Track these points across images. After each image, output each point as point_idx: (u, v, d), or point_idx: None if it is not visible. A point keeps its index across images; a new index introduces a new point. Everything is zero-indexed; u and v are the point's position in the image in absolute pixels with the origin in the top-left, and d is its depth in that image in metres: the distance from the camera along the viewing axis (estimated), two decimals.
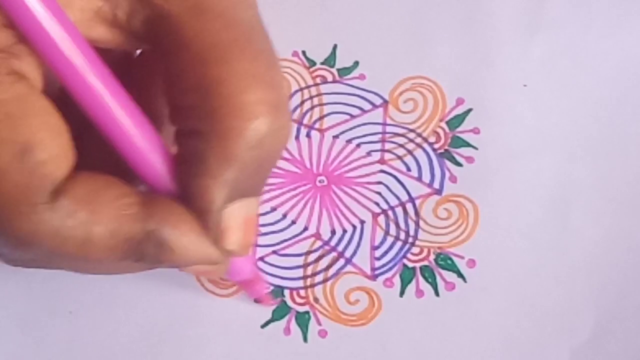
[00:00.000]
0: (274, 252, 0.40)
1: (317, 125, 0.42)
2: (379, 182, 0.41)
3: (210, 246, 0.31)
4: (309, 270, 0.40)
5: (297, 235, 0.40)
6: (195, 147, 0.30)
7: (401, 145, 0.41)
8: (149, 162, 0.31)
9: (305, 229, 0.40)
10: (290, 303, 0.39)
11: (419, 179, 0.41)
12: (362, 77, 0.42)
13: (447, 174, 0.41)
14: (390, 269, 0.39)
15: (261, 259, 0.40)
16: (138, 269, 0.33)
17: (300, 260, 0.40)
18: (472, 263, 0.39)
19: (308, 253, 0.40)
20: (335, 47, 0.43)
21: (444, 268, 0.39)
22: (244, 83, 0.29)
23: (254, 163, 0.30)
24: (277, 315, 0.39)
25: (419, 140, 0.41)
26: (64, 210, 0.29)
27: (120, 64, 0.33)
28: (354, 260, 0.40)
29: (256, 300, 0.39)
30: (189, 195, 0.31)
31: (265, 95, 0.30)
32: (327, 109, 0.42)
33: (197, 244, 0.31)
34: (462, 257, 0.39)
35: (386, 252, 0.40)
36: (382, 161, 0.41)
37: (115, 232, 0.30)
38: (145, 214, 0.30)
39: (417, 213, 0.40)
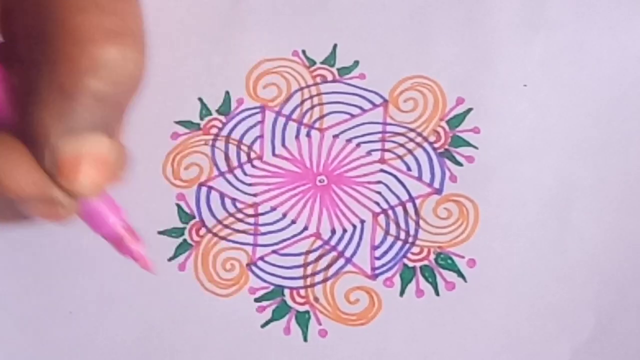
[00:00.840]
0: (274, 251, 0.40)
1: (317, 125, 0.42)
2: (379, 182, 0.41)
3: (44, 180, 0.29)
4: (309, 270, 0.40)
5: (297, 235, 0.40)
6: (29, 76, 0.28)
7: (401, 145, 0.41)
8: None
9: (305, 228, 0.40)
10: (290, 302, 0.39)
11: (419, 178, 0.41)
12: (362, 76, 0.42)
13: (447, 174, 0.41)
14: (391, 268, 0.39)
15: (261, 258, 0.40)
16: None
17: (300, 260, 0.40)
18: (472, 263, 0.39)
19: (308, 252, 0.40)
20: (335, 46, 0.42)
21: (444, 268, 0.39)
22: (79, 7, 0.27)
23: (95, 95, 0.28)
24: (277, 315, 0.39)
25: (419, 139, 0.41)
26: None
27: None
28: (354, 259, 0.40)
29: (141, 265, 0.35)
30: (26, 128, 0.29)
31: (106, 22, 0.27)
32: (327, 109, 0.42)
33: (28, 176, 0.29)
34: (462, 257, 0.39)
35: (386, 252, 0.40)
36: (382, 160, 0.41)
37: None
38: None
39: (417, 212, 0.40)
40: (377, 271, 0.39)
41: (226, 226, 0.40)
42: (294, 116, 0.42)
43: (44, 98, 0.28)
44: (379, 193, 0.41)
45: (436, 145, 0.41)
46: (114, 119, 0.30)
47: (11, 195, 0.29)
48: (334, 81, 0.42)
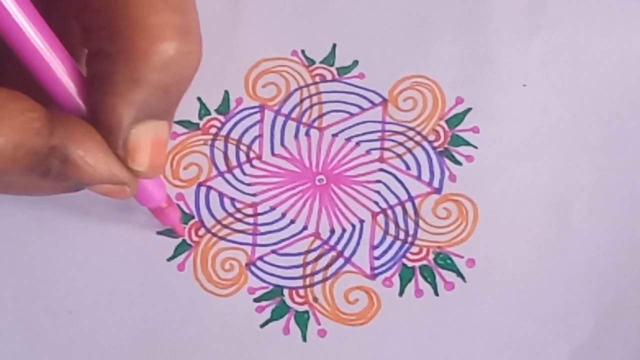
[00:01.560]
0: (273, 251, 0.40)
1: (316, 124, 0.42)
2: (378, 181, 0.41)
3: (116, 164, 0.32)
4: (308, 270, 0.40)
5: (296, 235, 0.40)
6: (103, 68, 0.31)
7: (400, 144, 0.41)
8: (59, 80, 0.31)
9: (305, 228, 0.40)
10: (289, 302, 0.39)
11: (419, 177, 0.41)
12: (361, 76, 0.42)
13: (447, 173, 0.41)
14: (390, 268, 0.39)
15: (260, 258, 0.40)
16: (52, 190, 0.35)
17: (299, 260, 0.40)
18: (471, 263, 0.39)
19: (307, 252, 0.40)
20: (334, 46, 0.42)
21: (443, 267, 0.39)
22: (151, 6, 0.30)
23: (161, 86, 0.31)
24: (276, 315, 0.39)
25: (418, 138, 0.41)
26: None
27: None
28: (353, 259, 0.40)
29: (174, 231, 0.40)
30: (97, 115, 0.32)
31: (173, 19, 0.30)
32: (326, 108, 0.42)
33: (102, 161, 0.32)
34: (462, 257, 0.39)
35: (385, 252, 0.40)
36: (381, 159, 0.41)
37: (19, 144, 0.30)
38: (50, 129, 0.31)
39: (416, 212, 0.40)
40: (377, 271, 0.39)
41: (225, 226, 0.40)
42: (293, 115, 0.42)
43: (118, 88, 0.31)
44: (378, 192, 0.40)
45: (435, 145, 0.41)
46: (173, 106, 0.33)
47: (86, 178, 0.32)
48: (333, 80, 0.42)
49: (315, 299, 0.39)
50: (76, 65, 0.32)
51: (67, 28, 0.33)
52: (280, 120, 0.42)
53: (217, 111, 0.42)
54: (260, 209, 0.40)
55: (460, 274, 0.39)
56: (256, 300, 0.39)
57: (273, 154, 0.41)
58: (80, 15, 0.32)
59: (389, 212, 0.40)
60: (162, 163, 0.34)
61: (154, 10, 0.30)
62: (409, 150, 0.41)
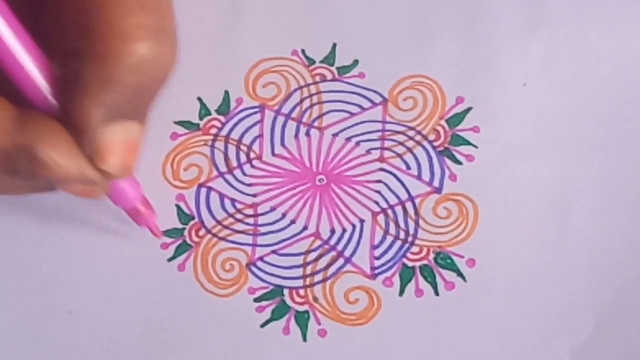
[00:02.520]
0: (273, 251, 0.40)
1: (316, 124, 0.42)
2: (379, 181, 0.41)
3: (85, 164, 0.32)
4: (309, 270, 0.40)
5: (296, 235, 0.40)
6: (75, 67, 0.30)
7: (401, 143, 0.41)
8: (31, 78, 0.31)
9: (305, 228, 0.40)
10: (289, 302, 0.39)
11: (419, 177, 0.41)
12: (361, 75, 0.42)
13: (447, 172, 0.40)
14: (390, 268, 0.39)
15: (260, 258, 0.40)
16: (25, 189, 0.35)
17: (299, 260, 0.40)
18: (471, 262, 0.39)
19: (307, 252, 0.40)
20: (334, 45, 0.42)
21: (443, 267, 0.39)
22: (125, 6, 0.30)
23: (133, 86, 0.31)
24: (276, 315, 0.39)
25: (418, 137, 0.41)
26: None
27: None
28: (354, 259, 0.40)
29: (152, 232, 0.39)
30: (68, 115, 0.31)
31: (147, 20, 0.30)
32: (326, 107, 0.42)
33: (72, 161, 0.32)
34: (462, 257, 0.39)
35: (386, 251, 0.40)
36: (381, 159, 0.41)
37: None
38: (19, 128, 0.31)
39: (416, 212, 0.40)
40: (377, 271, 0.39)
41: (226, 227, 0.40)
42: (293, 115, 0.42)
43: (88, 88, 0.30)
44: (379, 192, 0.40)
45: (436, 144, 0.41)
46: (145, 108, 0.33)
47: (55, 177, 0.32)
48: (333, 80, 0.42)
49: (316, 299, 0.39)
50: (49, 63, 0.32)
51: (40, 26, 0.32)
52: (280, 120, 0.42)
53: (218, 111, 0.42)
54: (260, 210, 0.40)
55: (460, 274, 0.39)
56: (256, 300, 0.39)
57: (273, 154, 0.41)
58: (53, 13, 0.32)
59: (389, 211, 0.40)
60: (132, 164, 0.34)
61: (128, 10, 0.30)
62: (409, 149, 0.41)
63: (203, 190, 0.41)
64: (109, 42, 0.30)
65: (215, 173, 0.41)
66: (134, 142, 0.33)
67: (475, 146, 0.41)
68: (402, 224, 0.40)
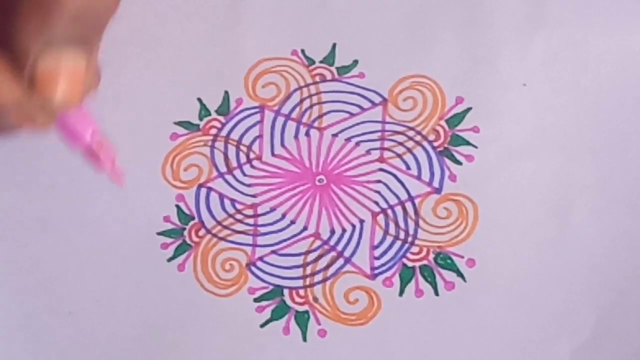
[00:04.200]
0: (273, 251, 0.40)
1: (316, 124, 0.42)
2: (379, 181, 0.41)
3: (22, 90, 0.31)
4: (308, 270, 0.40)
5: (296, 235, 0.40)
6: None
7: (400, 143, 0.41)
8: None
9: (305, 228, 0.40)
10: (289, 302, 0.39)
11: (419, 177, 0.41)
12: (361, 75, 0.42)
13: (447, 173, 0.40)
14: (390, 268, 0.39)
15: (260, 258, 0.40)
16: None
17: (299, 260, 0.40)
18: (471, 262, 0.39)
19: (307, 252, 0.40)
20: (334, 45, 0.42)
21: (443, 267, 0.39)
22: None
23: (75, 12, 0.30)
24: (276, 315, 0.39)
25: (418, 138, 0.41)
26: None
27: None
28: (354, 259, 0.40)
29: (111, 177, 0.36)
30: (5, 40, 0.30)
31: None
32: (326, 108, 0.42)
33: (8, 86, 0.31)
34: (462, 257, 0.39)
35: (385, 252, 0.40)
36: (381, 159, 0.41)
37: None
38: None
39: (416, 212, 0.40)
40: (377, 271, 0.39)
41: (225, 227, 0.40)
42: (293, 115, 0.42)
43: (24, 13, 0.29)
44: (378, 192, 0.40)
45: (436, 144, 0.41)
46: (91, 37, 0.32)
47: None
48: (333, 80, 0.42)
49: (316, 299, 0.39)
50: None
51: None
52: (280, 120, 0.42)
53: (217, 112, 0.42)
54: (260, 210, 0.40)
55: (460, 274, 0.39)
56: (256, 300, 0.39)
57: (273, 154, 0.41)
58: None
59: (389, 212, 0.40)
60: (74, 94, 0.32)
61: None
62: (409, 150, 0.41)
63: (203, 191, 0.41)
64: None
65: (215, 173, 0.41)
66: (76, 70, 0.31)
67: (475, 146, 0.41)
68: (402, 224, 0.40)
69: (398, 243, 0.40)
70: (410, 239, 0.40)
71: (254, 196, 0.41)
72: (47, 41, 0.30)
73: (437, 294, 0.39)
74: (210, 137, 0.42)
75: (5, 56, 0.30)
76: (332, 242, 0.40)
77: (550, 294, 0.39)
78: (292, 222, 0.40)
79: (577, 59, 0.41)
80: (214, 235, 0.40)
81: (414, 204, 0.40)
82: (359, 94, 0.42)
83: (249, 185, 0.41)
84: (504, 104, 0.41)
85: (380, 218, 0.40)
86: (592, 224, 0.39)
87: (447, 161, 0.41)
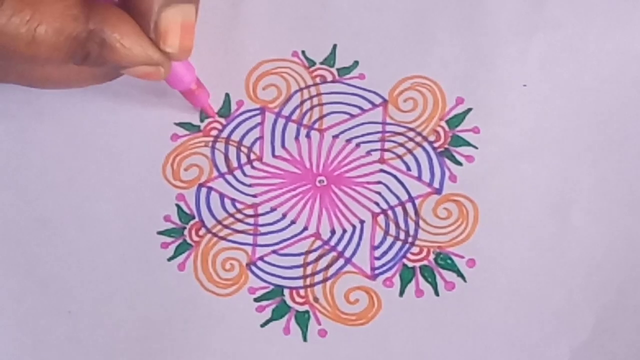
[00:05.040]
0: (274, 251, 0.40)
1: (316, 125, 0.42)
2: (379, 182, 0.41)
3: (150, 46, 0.36)
4: (309, 270, 0.40)
5: (296, 235, 0.40)
6: None
7: (401, 144, 0.41)
8: None
9: (305, 228, 0.40)
10: (289, 302, 0.39)
11: (419, 178, 0.41)
12: (361, 76, 0.42)
13: (447, 173, 0.41)
14: (390, 268, 0.39)
15: (261, 258, 0.40)
16: (89, 80, 0.38)
17: (299, 260, 0.40)
18: (472, 263, 0.39)
19: (308, 252, 0.40)
20: (334, 46, 0.43)
21: (443, 268, 0.39)
22: None
23: None
24: (276, 315, 0.39)
25: (418, 139, 0.41)
26: (9, 10, 0.33)
27: None
28: (354, 259, 0.40)
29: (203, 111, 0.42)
30: (129, 1, 0.35)
31: None
32: (326, 109, 0.42)
33: (137, 44, 0.35)
34: (462, 257, 0.39)
35: (386, 252, 0.40)
36: (381, 160, 0.41)
37: (59, 30, 0.33)
38: (87, 14, 0.34)
39: (416, 213, 0.40)
40: (377, 271, 0.39)
41: (226, 226, 0.40)
42: (294, 117, 0.42)
43: None
44: (379, 193, 0.41)
45: (436, 145, 0.41)
46: None
47: (122, 60, 0.35)
48: (333, 81, 0.42)
49: (316, 299, 0.39)
50: None
51: None
52: (280, 122, 0.42)
53: (218, 114, 0.42)
54: (260, 210, 0.40)
55: (460, 274, 0.39)
56: (256, 300, 0.39)
57: (274, 155, 0.41)
58: None
59: (390, 212, 0.40)
60: (190, 45, 0.37)
61: None
62: (410, 150, 0.41)
63: (203, 190, 0.41)
64: None
65: (215, 173, 0.41)
66: (191, 23, 0.36)
67: (475, 147, 0.41)
68: (402, 225, 0.40)
69: (398, 243, 0.40)
70: (410, 239, 0.40)
71: (254, 196, 0.41)
72: (165, 1, 0.35)
73: (437, 294, 0.39)
74: (211, 139, 0.42)
75: (131, 17, 0.35)
76: (332, 243, 0.40)
77: (550, 293, 0.39)
78: (293, 222, 0.40)
79: (577, 59, 0.42)
80: (215, 235, 0.40)
81: (414, 205, 0.40)
82: (359, 95, 0.42)
83: (249, 186, 0.41)
84: (504, 104, 0.41)
85: (381, 219, 0.40)
86: (592, 224, 0.39)
87: (448, 162, 0.41)
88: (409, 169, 0.41)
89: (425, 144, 0.41)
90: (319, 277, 0.39)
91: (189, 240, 0.40)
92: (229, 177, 0.41)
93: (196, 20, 0.37)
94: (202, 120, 0.42)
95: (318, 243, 0.40)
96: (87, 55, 0.35)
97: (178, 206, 0.40)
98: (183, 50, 0.37)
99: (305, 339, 0.39)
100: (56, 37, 0.33)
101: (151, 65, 0.36)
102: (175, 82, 0.40)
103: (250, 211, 0.40)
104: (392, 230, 0.40)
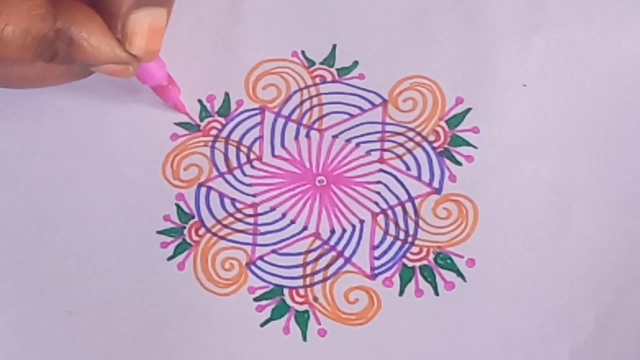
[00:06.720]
0: (273, 251, 0.40)
1: (316, 125, 0.42)
2: (379, 182, 0.41)
3: (117, 46, 0.35)
4: (309, 270, 0.40)
5: (296, 235, 0.40)
6: None
7: (400, 144, 0.41)
8: None
9: (305, 228, 0.40)
10: (289, 302, 0.39)
11: (419, 178, 0.41)
12: (361, 76, 0.42)
13: (447, 173, 0.41)
14: (390, 268, 0.39)
15: (260, 258, 0.40)
16: (63, 78, 0.38)
17: (299, 260, 0.40)
18: (471, 262, 0.39)
19: (307, 252, 0.40)
20: (334, 47, 0.43)
21: (443, 267, 0.39)
22: None
23: None
24: (276, 314, 0.39)
25: (418, 139, 0.41)
26: None
27: None
28: (354, 259, 0.40)
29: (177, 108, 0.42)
30: (98, 1, 0.35)
31: None
32: (326, 109, 0.42)
33: (105, 43, 0.35)
34: (462, 257, 0.39)
35: (385, 252, 0.40)
36: (381, 160, 0.41)
37: (26, 30, 0.33)
38: (54, 14, 0.34)
39: (416, 212, 0.40)
40: (377, 271, 0.39)
41: (225, 226, 0.40)
42: (294, 117, 0.42)
43: None
44: (378, 193, 0.41)
45: (435, 145, 0.41)
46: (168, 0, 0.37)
47: (89, 58, 0.35)
48: (333, 81, 0.42)
49: (316, 299, 0.39)
50: None
51: None
52: (280, 122, 0.42)
53: (218, 113, 0.42)
54: (260, 209, 0.40)
55: (460, 274, 0.39)
56: (256, 299, 0.39)
57: (273, 155, 0.41)
58: None
59: (389, 212, 0.40)
60: (157, 48, 0.37)
61: None
62: (409, 150, 0.41)
63: (203, 190, 0.41)
64: None
65: (215, 173, 0.41)
66: (160, 27, 0.36)
67: (475, 147, 0.41)
68: (402, 225, 0.40)
69: (398, 243, 0.40)
70: (410, 239, 0.40)
71: (254, 196, 0.41)
72: (135, 2, 0.35)
73: (437, 294, 0.39)
74: (211, 138, 0.42)
75: (100, 17, 0.35)
76: (332, 242, 0.40)
77: (550, 293, 0.39)
78: (292, 222, 0.40)
79: (577, 59, 0.42)
80: (214, 234, 0.40)
81: (414, 205, 0.40)
82: (359, 95, 0.42)
83: (249, 185, 0.41)
84: (504, 104, 0.41)
85: (380, 218, 0.40)
86: (592, 224, 0.39)
87: (447, 162, 0.41)
88: (408, 168, 0.41)
89: (425, 144, 0.41)
90: (318, 277, 0.39)
91: (188, 240, 0.40)
92: (229, 177, 0.41)
93: (167, 24, 0.37)
94: (201, 120, 0.42)
95: (318, 243, 0.40)
96: (55, 55, 0.35)
97: (178, 206, 0.40)
98: (149, 53, 0.36)
99: (304, 339, 0.39)
100: (24, 37, 0.33)
101: (119, 64, 0.36)
102: (145, 79, 0.40)
103: (249, 211, 0.40)
104: (392, 230, 0.40)
